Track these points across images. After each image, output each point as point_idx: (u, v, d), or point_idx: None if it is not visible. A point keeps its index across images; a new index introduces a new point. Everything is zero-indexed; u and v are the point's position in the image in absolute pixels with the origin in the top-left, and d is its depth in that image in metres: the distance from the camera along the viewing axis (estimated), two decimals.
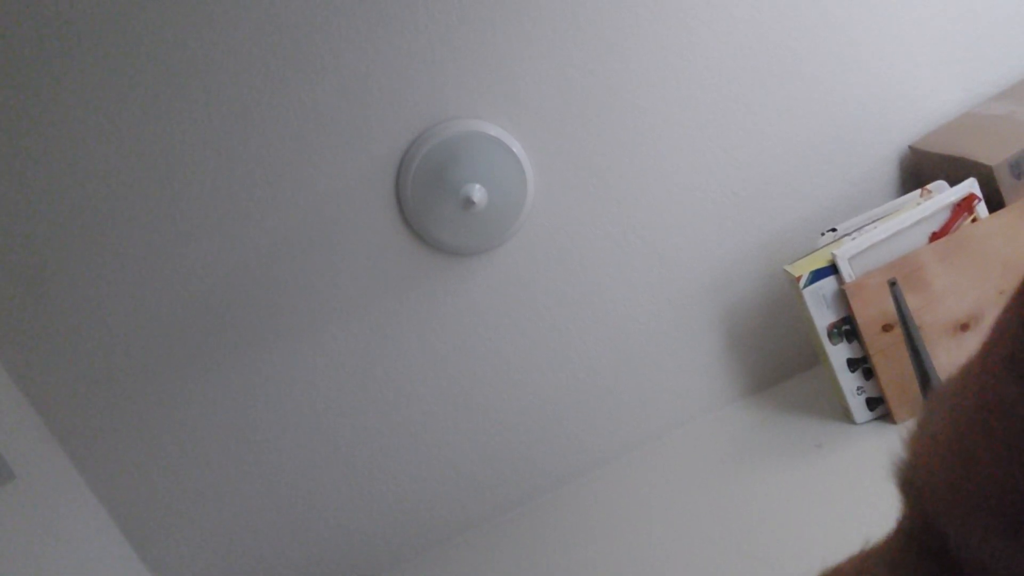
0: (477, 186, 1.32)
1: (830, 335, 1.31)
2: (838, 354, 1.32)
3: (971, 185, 1.26)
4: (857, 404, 1.33)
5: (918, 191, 1.35)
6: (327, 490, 1.48)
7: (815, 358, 1.53)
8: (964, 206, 1.26)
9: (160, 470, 1.41)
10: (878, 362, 1.28)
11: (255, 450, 1.44)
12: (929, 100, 1.46)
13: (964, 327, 1.25)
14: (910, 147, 1.47)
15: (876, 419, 1.34)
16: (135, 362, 1.36)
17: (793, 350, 1.53)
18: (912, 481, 0.47)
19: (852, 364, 1.32)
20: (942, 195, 1.27)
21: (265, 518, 1.47)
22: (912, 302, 1.23)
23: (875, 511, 1.15)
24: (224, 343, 1.38)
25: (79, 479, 1.38)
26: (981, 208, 1.27)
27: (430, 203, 1.35)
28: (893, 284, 1.20)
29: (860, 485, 1.22)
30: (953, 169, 1.34)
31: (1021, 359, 0.40)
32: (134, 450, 1.40)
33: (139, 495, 1.42)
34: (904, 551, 0.49)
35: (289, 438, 1.45)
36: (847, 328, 1.30)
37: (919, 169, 1.47)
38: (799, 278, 1.29)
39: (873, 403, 1.33)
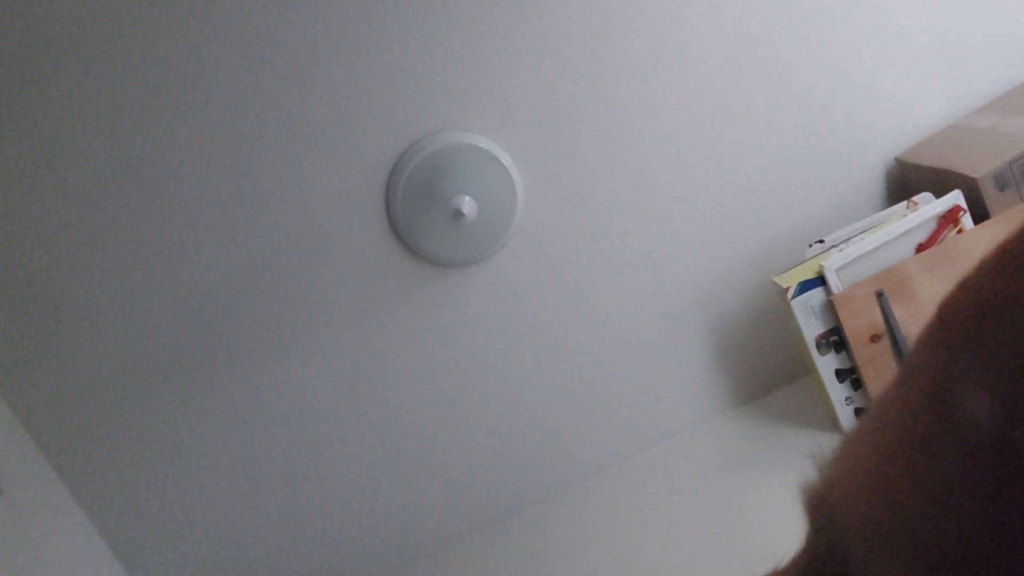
0: (467, 198, 1.33)
1: (818, 346, 1.31)
2: (826, 365, 1.32)
3: (956, 197, 1.27)
4: (846, 414, 1.34)
5: (904, 203, 1.36)
6: (316, 503, 1.48)
7: (804, 369, 1.54)
8: (949, 218, 1.27)
9: (148, 484, 1.40)
10: (866, 372, 1.28)
11: (243, 463, 1.43)
12: (914, 113, 1.48)
13: None
14: (896, 159, 1.48)
15: None
16: (122, 376, 1.35)
17: (782, 361, 1.54)
18: (822, 506, 0.46)
19: (840, 375, 1.32)
20: (928, 207, 1.28)
21: (254, 531, 1.47)
22: (899, 313, 1.24)
23: None
24: (212, 356, 1.38)
25: (66, 493, 1.37)
26: (966, 220, 1.28)
27: (420, 215, 1.35)
28: (880, 295, 1.21)
29: None
30: (938, 181, 1.35)
31: (941, 395, 0.39)
32: (121, 464, 1.39)
33: (126, 509, 1.41)
34: (805, 573, 0.49)
35: (278, 451, 1.44)
36: (835, 339, 1.31)
37: (905, 181, 1.48)
38: (787, 289, 1.29)
39: (861, 413, 1.34)
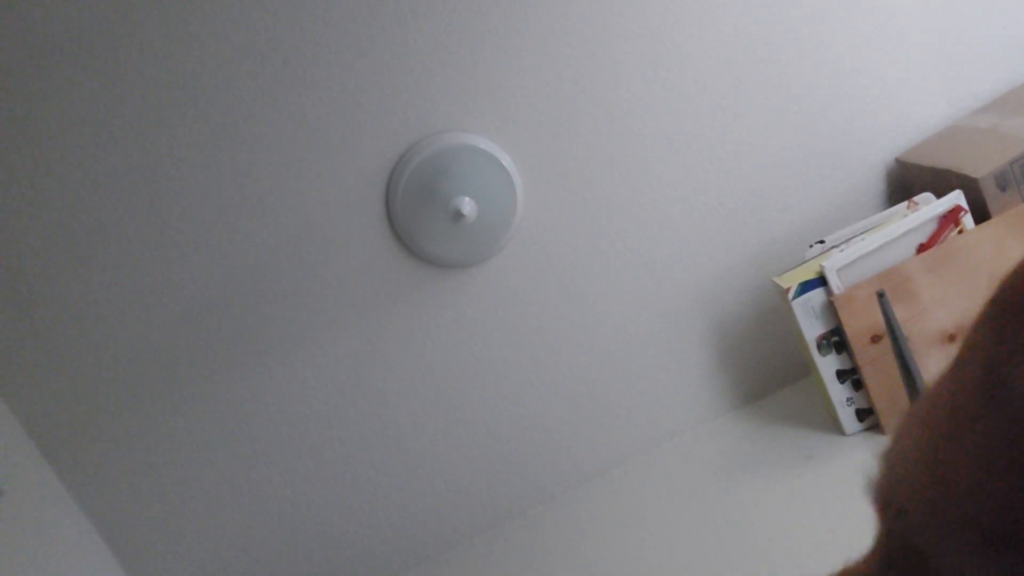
0: (467, 199, 1.32)
1: (819, 346, 1.31)
2: (827, 365, 1.32)
3: (957, 197, 1.27)
4: (847, 415, 1.34)
5: (905, 203, 1.36)
6: (316, 504, 1.48)
7: (804, 369, 1.53)
8: (950, 218, 1.27)
9: (148, 485, 1.40)
10: (867, 373, 1.28)
11: (243, 464, 1.43)
12: (915, 113, 1.48)
13: (952, 338, 1.26)
14: (897, 159, 1.48)
15: (866, 430, 1.34)
16: (122, 377, 1.35)
17: (782, 362, 1.54)
18: (889, 500, 0.47)
19: (841, 375, 1.32)
20: (929, 207, 1.28)
21: (253, 532, 1.46)
22: (900, 313, 1.24)
23: (866, 522, 1.16)
24: (213, 357, 1.37)
25: (66, 494, 1.37)
26: (967, 220, 1.28)
27: (420, 216, 1.35)
28: (881, 295, 1.21)
29: (850, 496, 1.22)
30: (939, 181, 1.35)
31: (992, 374, 0.40)
32: (121, 465, 1.38)
33: (126, 510, 1.40)
34: (883, 571, 0.49)
35: (278, 452, 1.44)
36: (836, 339, 1.31)
37: (906, 181, 1.48)
38: (788, 290, 1.29)
39: (862, 414, 1.34)
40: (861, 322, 1.26)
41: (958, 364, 0.43)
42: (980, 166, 1.28)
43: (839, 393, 1.33)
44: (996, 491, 0.38)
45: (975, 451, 0.40)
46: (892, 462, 0.47)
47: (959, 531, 0.41)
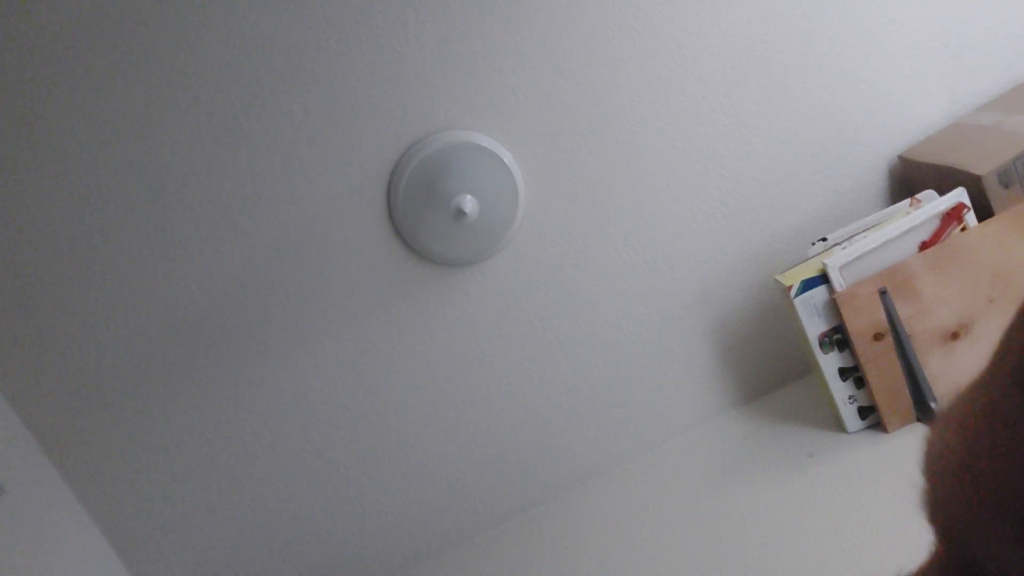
0: (468, 197, 1.32)
1: (821, 344, 1.31)
2: (829, 363, 1.32)
3: (960, 194, 1.27)
4: (849, 413, 1.33)
5: (907, 200, 1.35)
6: (317, 503, 1.48)
7: (807, 368, 1.53)
8: (953, 215, 1.27)
9: (149, 483, 1.40)
10: (869, 371, 1.28)
11: (244, 462, 1.43)
12: (917, 111, 1.47)
13: (954, 335, 1.25)
14: (899, 157, 1.48)
15: (868, 428, 1.34)
16: (124, 375, 1.35)
17: (784, 360, 1.54)
18: (935, 513, 0.47)
19: (843, 373, 1.32)
20: (931, 204, 1.28)
21: (254, 530, 1.46)
22: (903, 311, 1.24)
23: (868, 520, 1.15)
24: (214, 355, 1.37)
25: (68, 492, 1.37)
26: (970, 217, 1.27)
27: (421, 214, 1.35)
28: (884, 293, 1.20)
29: (852, 494, 1.22)
30: (942, 179, 1.35)
31: None
32: (123, 463, 1.39)
33: (128, 508, 1.41)
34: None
35: (278, 451, 1.44)
36: (838, 337, 1.30)
37: (908, 179, 1.47)
38: (790, 288, 1.29)
39: (865, 412, 1.33)
40: (863, 320, 1.26)
41: (993, 362, 0.43)
42: (983, 163, 1.27)
43: (841, 391, 1.33)
44: None
45: (1010, 448, 0.40)
46: (930, 469, 0.47)
47: (999, 530, 0.41)
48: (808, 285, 1.28)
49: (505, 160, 1.35)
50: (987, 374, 0.44)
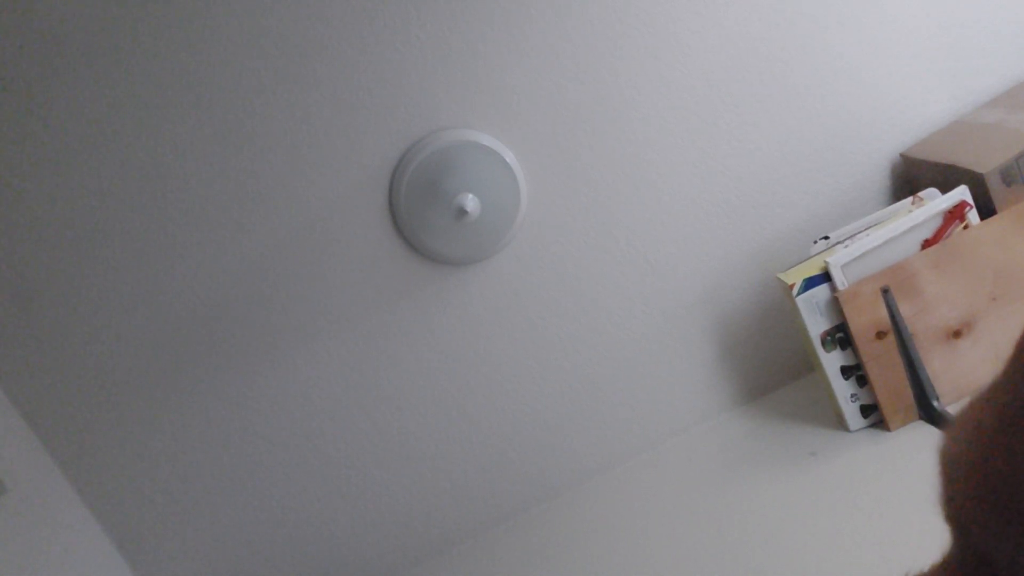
0: (470, 196, 1.32)
1: (824, 343, 1.31)
2: (832, 362, 1.32)
3: (962, 192, 1.27)
4: (851, 411, 1.33)
5: (910, 199, 1.35)
6: (319, 502, 1.48)
7: (809, 366, 1.53)
8: (956, 213, 1.27)
9: (152, 482, 1.41)
10: (872, 369, 1.28)
11: (247, 461, 1.43)
12: (919, 109, 1.47)
13: (957, 334, 1.25)
14: (901, 155, 1.48)
15: (870, 426, 1.34)
16: (127, 374, 1.35)
17: (787, 358, 1.53)
18: (951, 512, 0.48)
19: (846, 371, 1.32)
20: (934, 202, 1.28)
21: (257, 530, 1.47)
22: (905, 309, 1.24)
23: (870, 518, 1.15)
24: (217, 354, 1.38)
25: (71, 492, 1.37)
26: (972, 215, 1.27)
27: (423, 213, 1.35)
28: (886, 291, 1.20)
29: (854, 492, 1.22)
30: (944, 177, 1.35)
31: None
32: (126, 462, 1.39)
33: (131, 507, 1.41)
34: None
35: (281, 449, 1.44)
36: (840, 336, 1.30)
37: (911, 177, 1.47)
38: (792, 286, 1.29)
39: (867, 410, 1.33)
40: (866, 318, 1.26)
41: (1007, 371, 0.44)
42: (985, 161, 1.27)
43: (843, 389, 1.32)
44: None
45: (1021, 451, 0.40)
46: (947, 471, 0.48)
47: (1014, 528, 0.41)
48: (810, 283, 1.28)
49: (507, 159, 1.35)
50: (1002, 376, 0.44)
